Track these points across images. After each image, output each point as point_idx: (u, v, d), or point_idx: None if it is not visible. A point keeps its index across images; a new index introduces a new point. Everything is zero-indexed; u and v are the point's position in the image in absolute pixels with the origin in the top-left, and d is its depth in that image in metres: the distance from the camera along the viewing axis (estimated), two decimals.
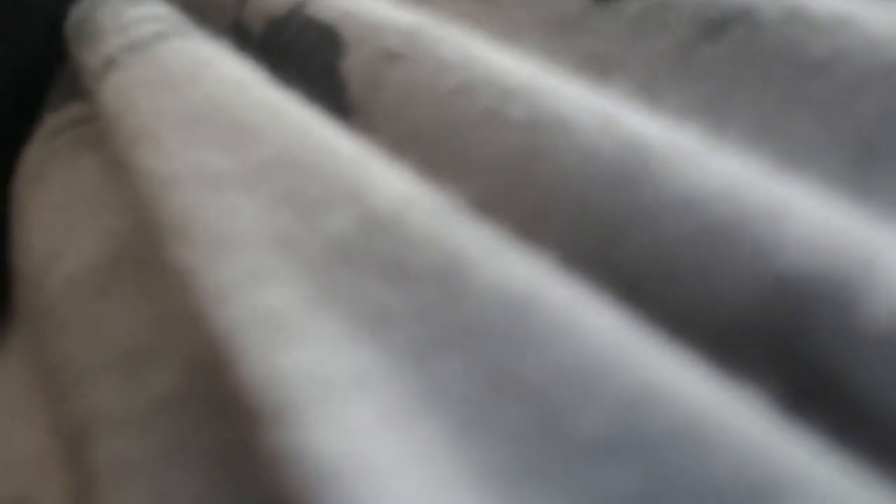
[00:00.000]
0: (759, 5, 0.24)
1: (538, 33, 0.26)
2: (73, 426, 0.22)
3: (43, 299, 0.25)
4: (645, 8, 0.25)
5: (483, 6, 0.27)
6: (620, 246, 0.20)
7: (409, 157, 0.22)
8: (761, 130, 0.23)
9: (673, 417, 0.17)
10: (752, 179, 0.20)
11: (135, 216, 0.24)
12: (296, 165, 0.22)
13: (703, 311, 0.20)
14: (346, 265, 0.20)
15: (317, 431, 0.17)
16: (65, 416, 0.22)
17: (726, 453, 0.17)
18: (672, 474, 0.17)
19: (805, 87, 0.23)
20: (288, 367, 0.18)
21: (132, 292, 0.23)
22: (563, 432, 0.18)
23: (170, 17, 0.27)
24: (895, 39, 0.23)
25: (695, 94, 0.24)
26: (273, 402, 0.18)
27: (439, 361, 0.19)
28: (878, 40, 0.23)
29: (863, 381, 0.18)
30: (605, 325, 0.19)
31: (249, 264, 0.20)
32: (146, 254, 0.23)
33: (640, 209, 0.20)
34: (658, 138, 0.21)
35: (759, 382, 0.18)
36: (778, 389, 0.18)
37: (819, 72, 0.23)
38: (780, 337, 0.19)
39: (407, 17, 0.26)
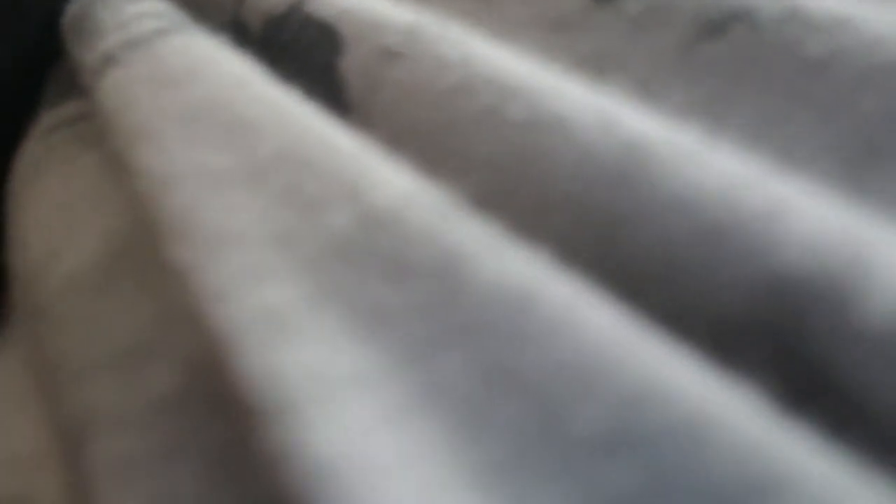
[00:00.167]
0: (758, 5, 0.24)
1: (537, 32, 0.26)
2: (72, 424, 0.22)
3: (41, 297, 0.25)
4: (645, 8, 0.25)
5: (482, 4, 0.27)
6: (618, 245, 0.20)
7: (407, 155, 0.22)
8: (761, 130, 0.23)
9: (672, 415, 0.17)
10: (750, 179, 0.20)
11: (134, 214, 0.24)
12: (296, 162, 0.22)
13: (701, 310, 0.20)
14: (346, 263, 0.20)
15: (316, 431, 0.17)
16: (63, 414, 0.22)
17: (725, 451, 0.17)
18: (671, 472, 0.17)
19: (805, 87, 0.23)
20: (287, 367, 0.18)
21: (131, 291, 0.23)
22: (562, 429, 0.18)
23: (169, 14, 0.27)
24: (894, 39, 0.23)
25: (694, 93, 0.24)
26: (272, 402, 0.18)
27: (438, 359, 0.19)
28: (878, 40, 0.23)
29: (860, 379, 0.18)
30: (605, 322, 0.19)
31: (249, 263, 0.20)
32: (145, 252, 0.23)
33: (638, 208, 0.20)
34: (657, 137, 0.21)
35: (756, 381, 0.18)
36: (776, 388, 0.18)
37: (819, 71, 0.23)
38: (777, 335, 0.19)
39: (406, 16, 0.26)
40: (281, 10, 0.28)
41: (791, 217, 0.20)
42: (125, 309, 0.23)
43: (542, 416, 0.18)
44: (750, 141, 0.22)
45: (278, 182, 0.22)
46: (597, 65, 0.25)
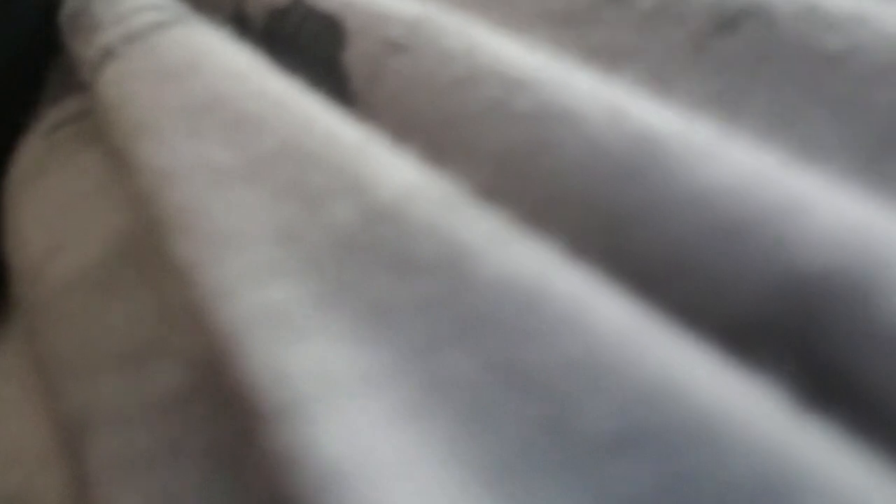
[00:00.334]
0: (772, 1, 0.24)
1: (546, 26, 0.25)
2: (72, 420, 0.22)
3: (43, 294, 0.25)
4: (657, 3, 0.25)
5: None
6: (629, 240, 0.20)
7: (411, 148, 0.22)
8: (776, 124, 0.22)
9: (686, 412, 0.17)
10: (768, 173, 0.20)
11: (138, 212, 0.24)
12: (298, 156, 0.22)
13: (716, 307, 0.19)
14: (351, 258, 0.20)
15: (322, 431, 0.17)
16: (63, 410, 0.22)
17: (742, 450, 0.17)
18: (685, 472, 0.17)
19: (820, 82, 0.23)
20: (293, 366, 0.18)
21: (135, 289, 0.23)
22: (572, 427, 0.17)
23: (169, 6, 0.27)
24: None
25: (708, 87, 0.23)
26: (278, 401, 0.18)
27: (445, 356, 0.18)
28: (893, 36, 0.23)
29: (880, 379, 0.18)
30: (616, 317, 0.18)
31: (253, 260, 0.20)
32: (149, 251, 0.23)
33: (650, 202, 0.20)
34: (670, 131, 0.21)
35: (774, 379, 0.18)
36: (793, 387, 0.18)
37: (834, 66, 0.23)
38: (795, 333, 0.19)
39: (411, 8, 0.25)
40: (284, 3, 0.27)
41: (810, 213, 0.19)
42: (129, 307, 0.23)
43: (550, 414, 0.17)
44: (765, 136, 0.22)
45: (281, 176, 0.21)
46: (607, 59, 0.24)
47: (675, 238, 0.20)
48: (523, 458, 0.17)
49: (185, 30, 0.26)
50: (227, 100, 0.23)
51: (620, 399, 0.17)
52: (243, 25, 0.28)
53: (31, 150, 0.29)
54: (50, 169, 0.28)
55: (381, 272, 0.19)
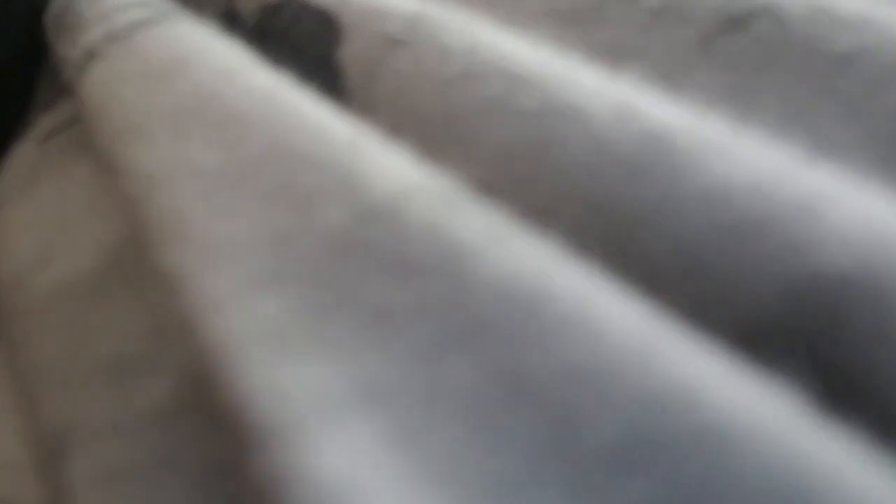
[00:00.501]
0: (781, 1, 0.24)
1: (551, 23, 0.25)
2: (55, 430, 0.21)
3: (31, 302, 0.24)
4: (664, 1, 0.25)
5: None
6: (637, 239, 0.20)
7: (408, 145, 0.21)
8: (785, 124, 0.22)
9: (697, 421, 0.16)
10: (782, 171, 0.20)
11: (128, 223, 0.24)
12: (289, 155, 0.21)
13: (728, 310, 0.19)
14: (345, 262, 0.19)
15: (317, 451, 0.17)
16: (45, 419, 0.22)
17: (757, 461, 0.16)
18: (696, 484, 0.16)
19: (829, 82, 0.22)
20: (288, 383, 0.18)
21: (125, 300, 0.23)
22: (577, 439, 0.17)
23: (154, 3, 0.26)
24: None
25: (716, 85, 0.23)
26: (272, 420, 0.17)
27: (445, 366, 0.18)
28: None
29: None
30: (622, 317, 0.18)
31: (244, 270, 0.19)
32: (140, 262, 0.22)
33: (659, 201, 0.20)
34: (679, 128, 0.21)
35: (788, 382, 0.17)
36: (810, 392, 0.17)
37: (843, 67, 0.23)
38: (811, 335, 0.18)
39: (409, 4, 0.25)
40: None
41: (824, 212, 0.19)
42: (119, 318, 0.22)
43: (555, 425, 0.17)
44: (774, 135, 0.22)
45: (271, 177, 0.21)
46: (613, 56, 0.24)
47: (684, 237, 0.19)
48: (528, 472, 0.17)
49: (170, 27, 0.25)
50: (214, 99, 0.23)
51: (627, 408, 0.17)
52: (234, 22, 0.27)
53: (25, 158, 0.28)
54: (43, 178, 0.27)
55: (377, 276, 0.19)
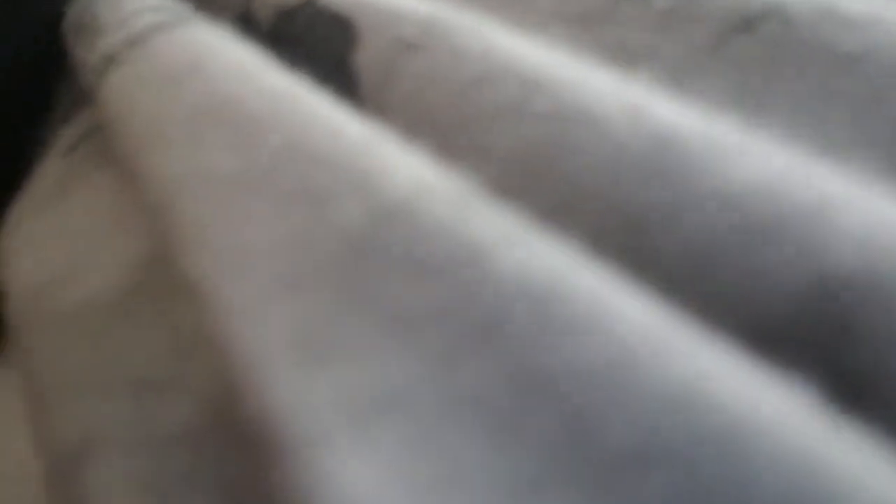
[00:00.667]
0: (789, 3, 0.24)
1: (562, 26, 0.25)
2: (73, 443, 0.21)
3: (53, 315, 0.24)
4: (673, 3, 0.25)
5: None
6: (651, 240, 0.20)
7: (424, 148, 0.21)
8: (794, 124, 0.22)
9: (713, 422, 0.16)
10: (794, 173, 0.20)
11: (152, 230, 0.24)
12: (305, 155, 0.21)
13: (741, 311, 0.19)
14: (363, 261, 0.19)
15: (341, 463, 0.17)
16: (62, 431, 0.22)
17: (773, 461, 0.16)
18: (712, 485, 0.16)
19: (837, 82, 0.23)
20: (310, 393, 0.18)
21: (151, 317, 0.23)
22: (595, 440, 0.17)
23: (171, 7, 0.27)
24: None
25: (725, 86, 0.23)
26: (295, 431, 0.17)
27: (462, 367, 0.18)
28: None
29: None
30: (637, 318, 0.18)
31: (265, 275, 0.19)
32: (165, 281, 0.23)
33: (672, 203, 0.20)
34: (691, 130, 0.21)
35: (803, 384, 0.17)
36: (824, 391, 0.17)
37: (851, 67, 0.23)
38: (825, 336, 0.18)
39: (423, 7, 0.25)
40: (293, 3, 0.27)
41: (837, 213, 0.19)
42: (144, 334, 0.23)
43: (573, 426, 0.17)
44: (784, 135, 0.22)
45: (287, 179, 0.21)
46: (625, 59, 0.24)
47: (698, 239, 0.19)
48: (546, 473, 0.17)
49: (186, 31, 0.25)
50: (230, 101, 0.23)
51: (643, 408, 0.17)
52: (249, 26, 0.27)
53: (51, 171, 0.29)
54: (69, 190, 0.27)
55: (394, 278, 0.19)
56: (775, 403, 0.17)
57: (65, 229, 0.26)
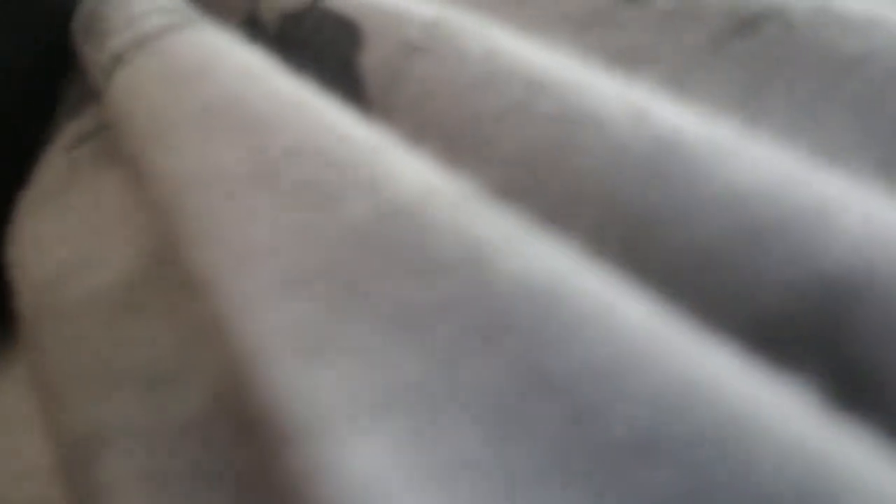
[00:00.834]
0: (790, 5, 0.24)
1: (565, 28, 0.25)
2: (84, 436, 0.21)
3: (62, 309, 0.24)
4: (674, 5, 0.25)
5: (509, 1, 0.26)
6: (653, 241, 0.20)
7: (429, 150, 0.22)
8: (795, 126, 0.22)
9: (714, 415, 0.17)
10: (794, 175, 0.20)
11: (158, 227, 0.24)
12: (312, 155, 0.21)
13: (742, 308, 0.19)
14: (369, 258, 0.19)
15: (345, 454, 0.17)
16: (73, 423, 0.22)
17: (772, 455, 0.16)
18: (714, 477, 0.16)
19: (837, 84, 0.23)
20: (317, 385, 0.18)
21: (158, 310, 0.23)
22: (597, 433, 0.17)
23: (179, 9, 0.27)
24: None
25: (726, 88, 0.23)
26: (302, 422, 0.17)
27: (467, 364, 0.18)
28: None
29: None
30: (639, 317, 0.18)
31: (271, 270, 0.20)
32: (172, 274, 0.23)
33: (674, 204, 0.20)
34: (692, 132, 0.21)
35: (804, 380, 0.17)
36: (824, 389, 0.17)
37: (851, 69, 0.23)
38: (823, 334, 0.18)
39: (429, 10, 0.25)
40: (299, 6, 0.27)
41: (836, 214, 0.19)
42: (151, 327, 0.23)
43: (575, 420, 0.17)
44: (785, 137, 0.22)
45: (294, 178, 0.21)
46: (627, 60, 0.24)
47: (699, 239, 0.19)
48: (549, 467, 0.17)
49: (194, 33, 0.25)
50: (238, 102, 0.23)
51: (645, 405, 0.17)
52: (256, 30, 0.27)
53: (54, 166, 0.29)
54: (73, 185, 0.27)
55: (399, 274, 0.19)
56: (776, 401, 0.17)
57: (72, 224, 0.26)
